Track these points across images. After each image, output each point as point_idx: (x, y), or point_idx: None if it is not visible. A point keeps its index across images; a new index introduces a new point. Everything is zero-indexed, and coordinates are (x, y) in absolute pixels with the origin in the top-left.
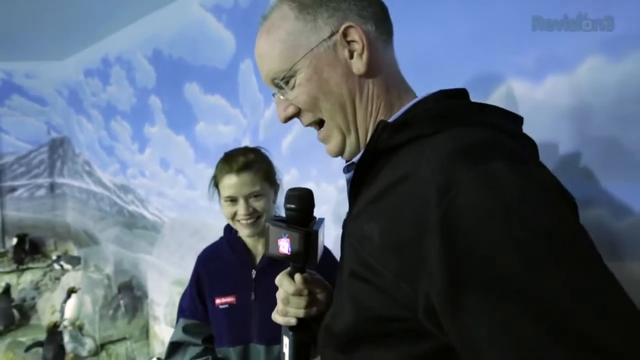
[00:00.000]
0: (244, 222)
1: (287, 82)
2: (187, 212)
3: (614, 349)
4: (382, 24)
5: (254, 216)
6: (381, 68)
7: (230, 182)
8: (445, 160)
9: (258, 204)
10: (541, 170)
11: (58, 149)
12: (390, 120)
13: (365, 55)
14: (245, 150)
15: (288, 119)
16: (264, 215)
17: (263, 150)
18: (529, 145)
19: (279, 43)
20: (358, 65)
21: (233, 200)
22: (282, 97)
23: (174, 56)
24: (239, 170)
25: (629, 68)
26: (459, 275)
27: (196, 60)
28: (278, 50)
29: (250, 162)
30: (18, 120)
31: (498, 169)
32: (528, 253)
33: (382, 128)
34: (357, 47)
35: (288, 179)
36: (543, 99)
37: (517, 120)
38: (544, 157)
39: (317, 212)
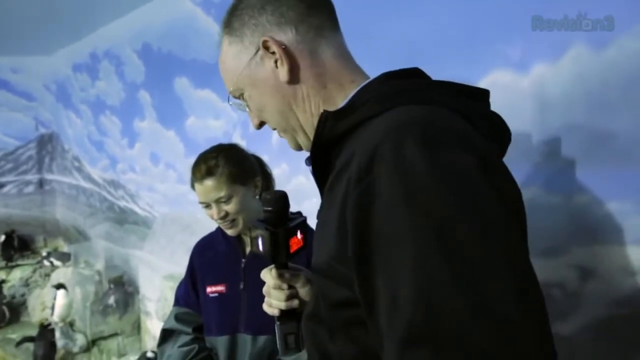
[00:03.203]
0: (221, 224)
1: (242, 99)
2: (178, 207)
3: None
4: (307, 21)
5: (229, 218)
6: (309, 69)
7: (198, 190)
8: (372, 142)
9: (229, 207)
10: (463, 159)
11: (46, 145)
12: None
13: (285, 63)
14: (209, 155)
15: (260, 127)
16: (240, 214)
17: (234, 149)
18: (487, 121)
19: (224, 67)
20: (282, 73)
21: (206, 205)
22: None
23: (163, 50)
24: (202, 178)
25: (612, 54)
26: (363, 254)
27: (186, 54)
28: (225, 74)
29: (211, 168)
30: (5, 115)
31: (411, 153)
32: (420, 240)
33: (324, 118)
34: (277, 57)
35: (278, 173)
36: (528, 88)
37: (477, 94)
38: (527, 148)
39: (309, 205)
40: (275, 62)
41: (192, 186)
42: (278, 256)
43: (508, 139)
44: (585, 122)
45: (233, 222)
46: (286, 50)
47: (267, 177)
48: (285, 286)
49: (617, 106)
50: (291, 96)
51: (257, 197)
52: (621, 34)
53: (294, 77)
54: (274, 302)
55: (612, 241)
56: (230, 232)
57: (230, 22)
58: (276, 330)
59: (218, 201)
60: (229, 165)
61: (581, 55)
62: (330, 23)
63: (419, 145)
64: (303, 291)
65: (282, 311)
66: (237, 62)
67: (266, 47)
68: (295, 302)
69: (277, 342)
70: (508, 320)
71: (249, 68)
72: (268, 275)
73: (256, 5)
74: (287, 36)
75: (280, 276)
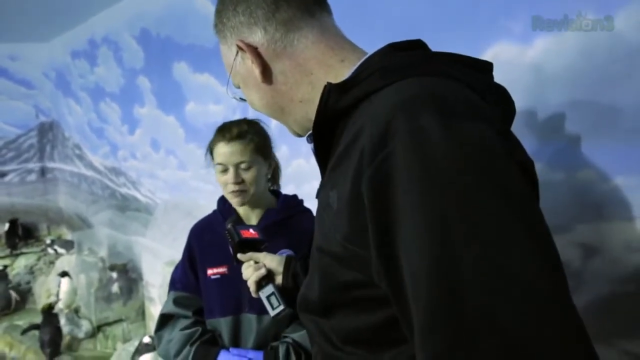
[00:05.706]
0: (232, 190)
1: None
2: (179, 193)
3: (515, 333)
4: (275, 18)
5: (242, 187)
6: (285, 64)
7: (222, 151)
8: (384, 115)
9: (247, 175)
10: (479, 128)
11: (47, 133)
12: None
13: (257, 66)
14: (242, 121)
15: None
16: (253, 186)
17: (262, 124)
18: (493, 92)
19: (224, 62)
20: (256, 73)
21: (224, 168)
22: None
23: (161, 35)
24: (231, 140)
25: (617, 27)
26: (384, 233)
27: (184, 39)
28: (225, 68)
29: (242, 132)
30: (5, 104)
31: (427, 124)
32: (442, 215)
33: (327, 91)
34: (250, 59)
35: (278, 156)
36: (530, 62)
37: (481, 66)
38: (530, 123)
39: (309, 188)
40: (252, 62)
41: (211, 148)
42: (235, 244)
43: (513, 111)
44: (589, 97)
45: (243, 193)
46: (257, 52)
47: (275, 168)
48: (251, 262)
49: (622, 80)
50: (273, 91)
51: (268, 177)
52: (626, 6)
53: (268, 76)
54: (247, 275)
55: (617, 217)
56: (236, 200)
57: (216, 23)
58: (261, 298)
59: (238, 166)
60: (258, 135)
61: (584, 27)
62: (303, 12)
63: (434, 116)
64: (267, 260)
65: (257, 282)
66: (227, 59)
67: (242, 49)
68: (263, 270)
69: (265, 306)
70: (531, 296)
71: (235, 67)
72: (243, 262)
73: (229, 7)
74: (257, 37)
75: (243, 255)
